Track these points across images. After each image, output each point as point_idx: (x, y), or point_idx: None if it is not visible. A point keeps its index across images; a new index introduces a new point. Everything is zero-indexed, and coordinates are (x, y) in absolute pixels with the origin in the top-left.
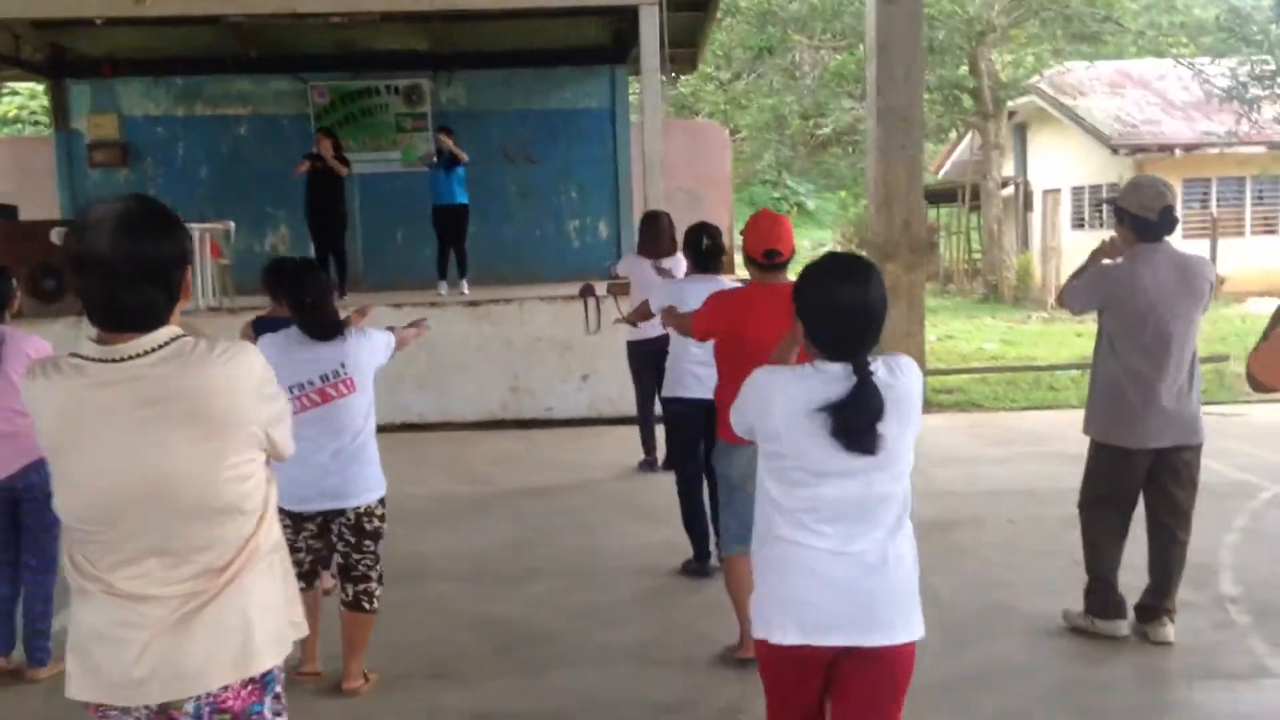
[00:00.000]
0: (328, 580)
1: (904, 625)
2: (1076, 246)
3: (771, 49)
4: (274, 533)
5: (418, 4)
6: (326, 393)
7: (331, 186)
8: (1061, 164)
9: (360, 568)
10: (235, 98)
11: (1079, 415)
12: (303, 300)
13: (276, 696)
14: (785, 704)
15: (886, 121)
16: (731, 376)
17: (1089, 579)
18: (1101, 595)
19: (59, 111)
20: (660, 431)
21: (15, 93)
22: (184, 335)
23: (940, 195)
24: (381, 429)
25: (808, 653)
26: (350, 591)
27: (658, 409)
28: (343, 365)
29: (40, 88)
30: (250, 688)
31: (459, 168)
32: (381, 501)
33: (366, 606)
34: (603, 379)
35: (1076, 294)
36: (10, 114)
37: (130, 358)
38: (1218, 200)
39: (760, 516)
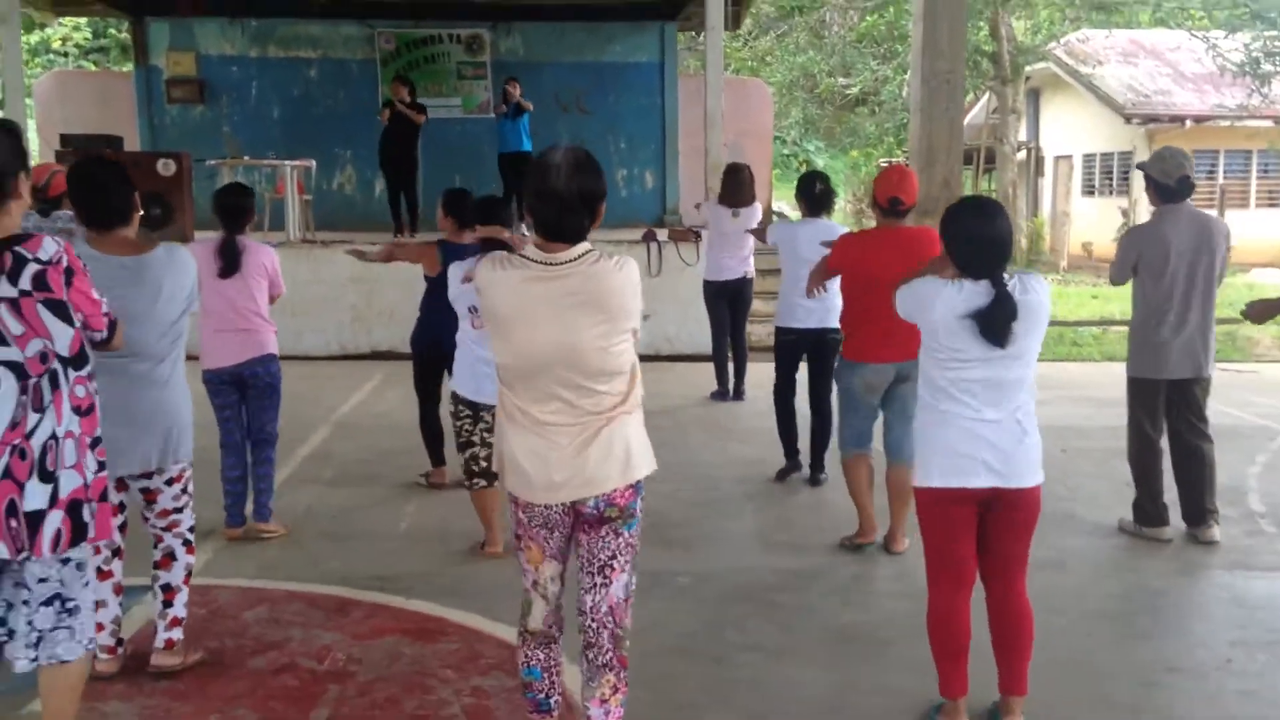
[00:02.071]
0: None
1: (1035, 472)
2: (1086, 212)
3: (801, 8)
4: (640, 390)
5: None
6: None
7: (405, 132)
8: (1074, 131)
9: None
10: (306, 41)
11: (1102, 368)
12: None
13: (642, 497)
14: (943, 543)
15: (931, 85)
16: (856, 303)
17: (1136, 493)
18: (1147, 507)
19: (140, 48)
20: (728, 365)
21: (61, 23)
22: (593, 249)
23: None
24: None
25: (961, 494)
26: None
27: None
28: None
29: (82, 21)
30: (630, 490)
31: (524, 116)
32: None
33: None
34: (661, 319)
35: (1117, 266)
36: (55, 44)
37: (561, 263)
38: (1225, 172)
39: (922, 392)
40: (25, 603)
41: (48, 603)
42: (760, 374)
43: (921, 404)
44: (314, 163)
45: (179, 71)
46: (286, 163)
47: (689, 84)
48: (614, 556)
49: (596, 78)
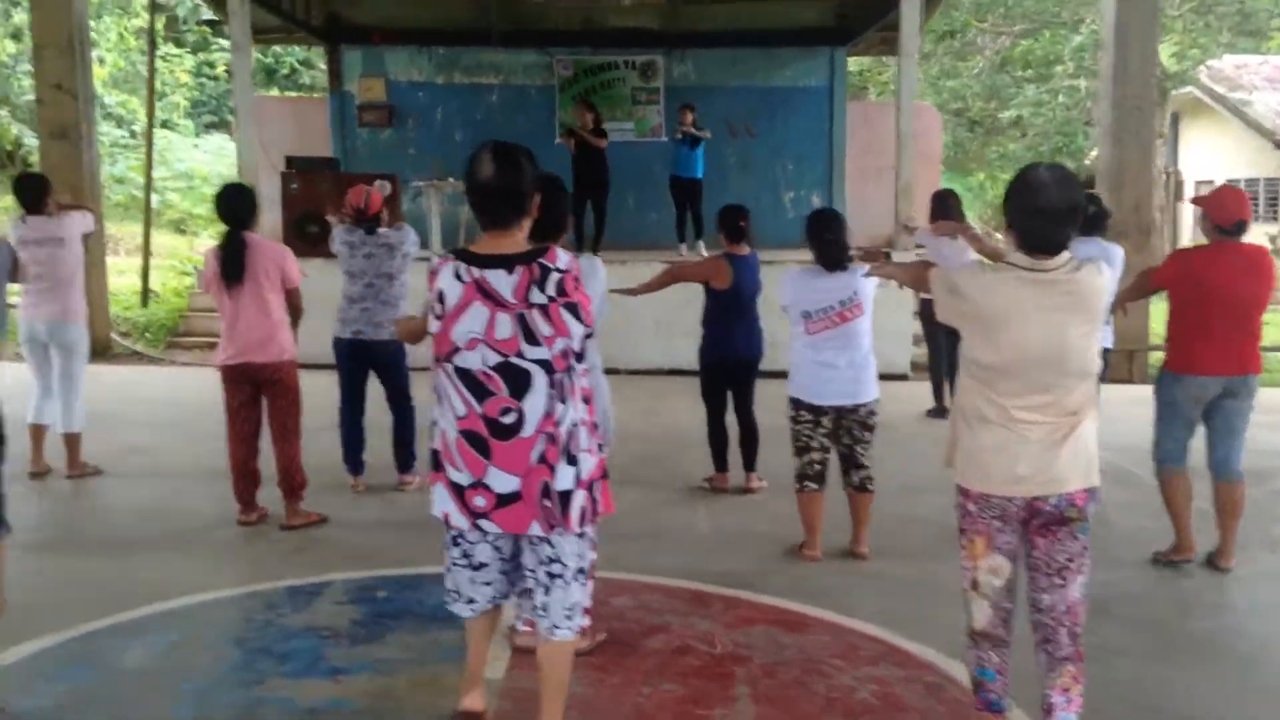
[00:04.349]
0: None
1: None
2: None
3: (954, 32)
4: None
5: None
6: (845, 314)
7: (594, 154)
8: (1216, 156)
9: (863, 457)
10: (488, 68)
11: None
12: (824, 238)
13: (1097, 502)
14: None
15: (1121, 110)
16: (1186, 316)
17: None
18: None
19: (334, 75)
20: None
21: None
22: (1073, 257)
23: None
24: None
25: None
26: (857, 478)
27: None
28: (855, 292)
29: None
30: (1086, 493)
31: (700, 144)
32: (877, 401)
33: (869, 488)
34: None
35: None
36: (220, 69)
37: (1049, 270)
38: None
39: None
40: (557, 576)
41: (576, 575)
42: None
43: None
44: None
45: (370, 97)
46: None
47: (853, 108)
48: (1071, 559)
49: (765, 102)
